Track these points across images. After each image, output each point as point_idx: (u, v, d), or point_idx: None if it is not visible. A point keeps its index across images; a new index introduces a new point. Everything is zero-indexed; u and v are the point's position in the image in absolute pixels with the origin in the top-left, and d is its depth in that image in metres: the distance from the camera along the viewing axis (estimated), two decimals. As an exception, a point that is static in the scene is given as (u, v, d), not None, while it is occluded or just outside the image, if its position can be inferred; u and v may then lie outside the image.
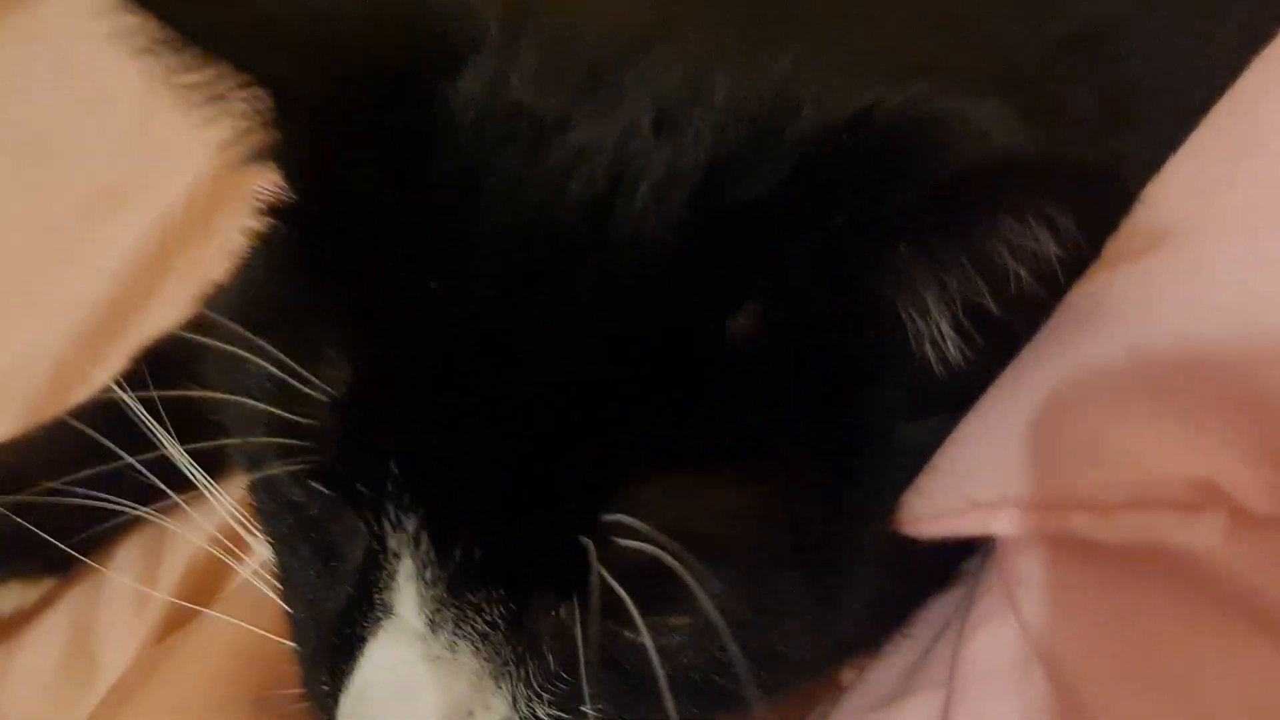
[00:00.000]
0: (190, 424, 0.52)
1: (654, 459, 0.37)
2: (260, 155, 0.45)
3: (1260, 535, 0.30)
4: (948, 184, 0.34)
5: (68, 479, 0.67)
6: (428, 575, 0.39)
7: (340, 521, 0.43)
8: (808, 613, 0.41)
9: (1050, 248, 0.35)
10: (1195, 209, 0.36)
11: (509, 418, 0.38)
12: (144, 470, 0.54)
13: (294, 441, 0.40)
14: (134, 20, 0.40)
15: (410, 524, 0.39)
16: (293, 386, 0.40)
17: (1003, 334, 0.38)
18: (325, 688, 0.43)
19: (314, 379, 0.39)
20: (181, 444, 0.53)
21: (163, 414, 0.54)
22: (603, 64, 0.41)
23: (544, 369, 0.37)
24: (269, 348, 0.40)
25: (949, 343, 0.38)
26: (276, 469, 0.41)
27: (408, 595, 0.40)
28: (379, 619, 0.41)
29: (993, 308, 0.37)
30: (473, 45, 0.42)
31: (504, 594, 0.39)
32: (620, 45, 0.42)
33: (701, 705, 0.41)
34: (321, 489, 0.42)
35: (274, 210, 0.46)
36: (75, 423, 0.73)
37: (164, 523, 0.62)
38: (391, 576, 0.40)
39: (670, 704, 0.38)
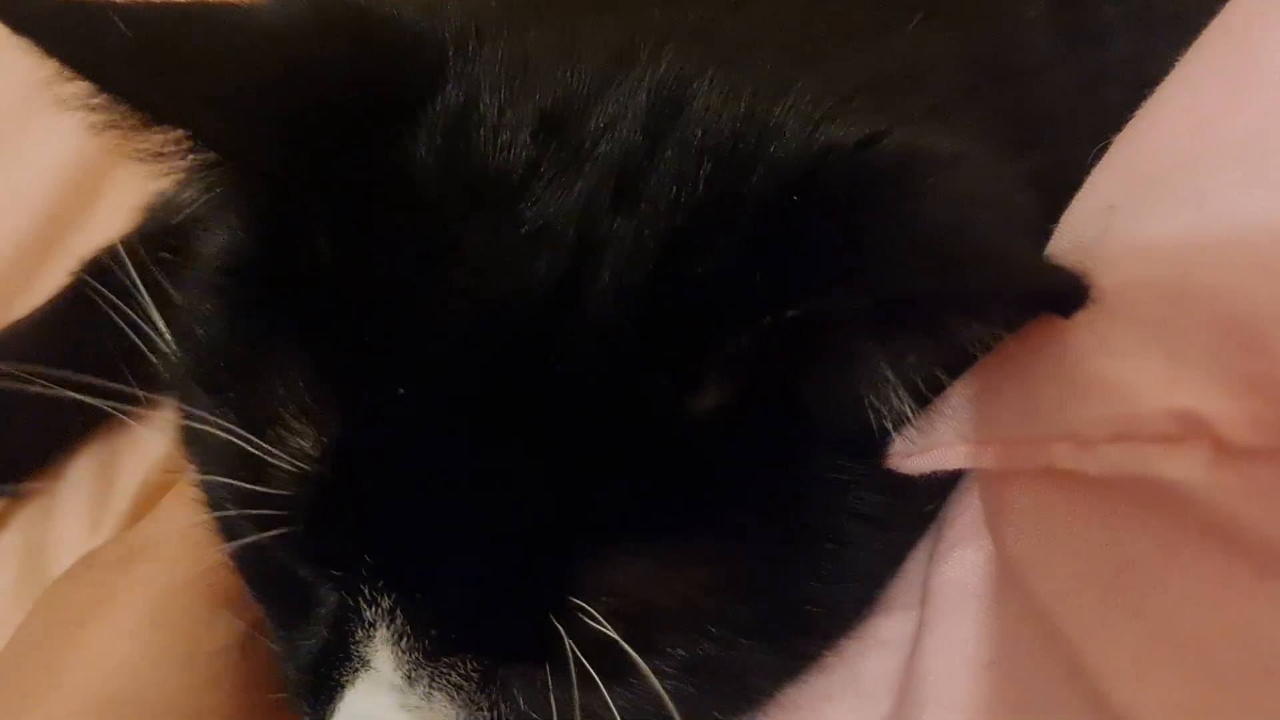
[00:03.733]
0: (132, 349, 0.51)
1: (621, 537, 0.38)
2: (218, 210, 0.44)
3: (1243, 466, 0.30)
4: (911, 289, 0.34)
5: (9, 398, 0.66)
6: (403, 644, 0.40)
7: (316, 577, 0.43)
8: (771, 671, 0.43)
9: (1004, 335, 0.36)
10: (1189, 141, 0.36)
11: (479, 502, 0.38)
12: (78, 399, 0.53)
13: (265, 512, 0.40)
14: (79, 88, 0.38)
15: (385, 603, 0.40)
16: (257, 457, 0.39)
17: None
18: (309, 717, 0.44)
19: (277, 451, 0.39)
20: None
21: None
22: (562, 109, 0.39)
23: (511, 452, 0.37)
24: (228, 424, 0.40)
25: (906, 410, 0.38)
26: (251, 537, 0.41)
27: (384, 654, 0.41)
28: (356, 669, 0.42)
29: (945, 380, 0.38)
30: (430, 83, 0.40)
31: (476, 657, 0.40)
32: (579, 83, 0.40)
33: None
34: (296, 557, 0.42)
35: (230, 262, 0.45)
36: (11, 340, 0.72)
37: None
38: (368, 637, 0.41)
39: None
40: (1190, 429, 0.31)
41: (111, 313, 0.51)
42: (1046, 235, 0.39)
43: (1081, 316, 0.33)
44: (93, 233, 0.79)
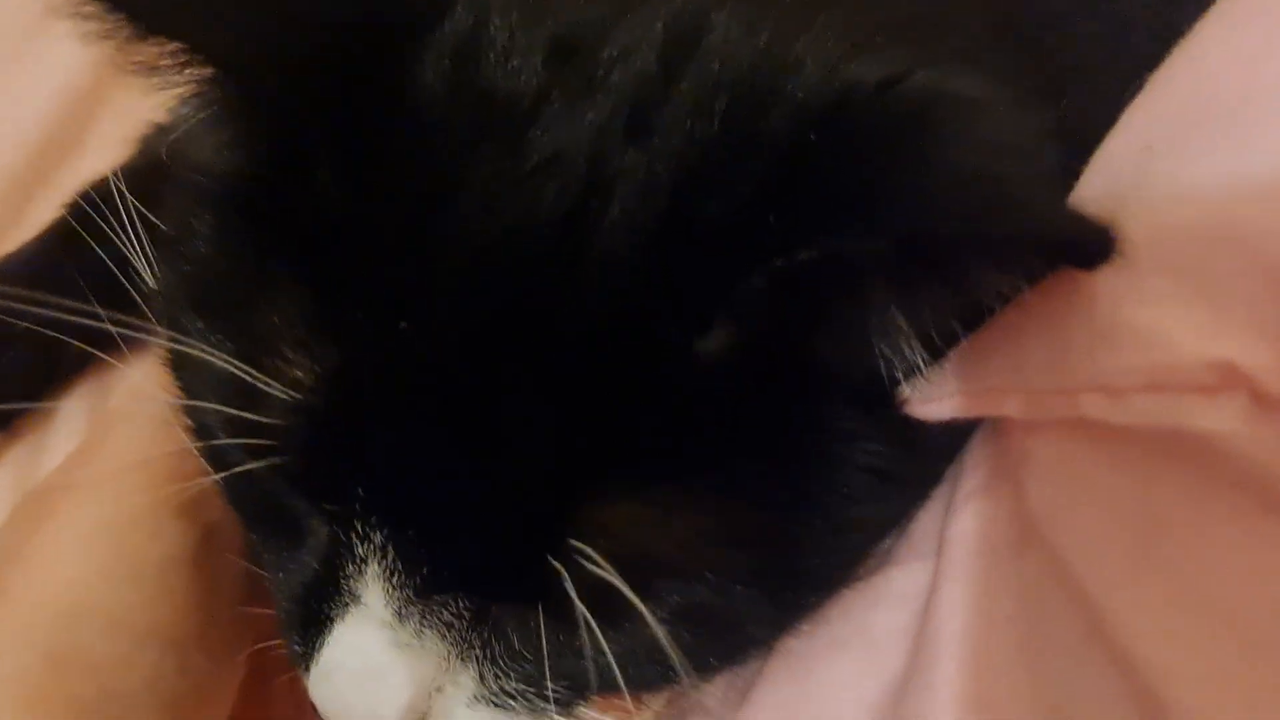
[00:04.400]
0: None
1: (621, 480, 0.37)
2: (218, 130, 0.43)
3: (1280, 418, 0.29)
4: (932, 232, 0.33)
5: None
6: (394, 580, 0.39)
7: (308, 508, 0.42)
8: (768, 620, 0.43)
9: (1023, 288, 0.35)
10: (1233, 81, 0.34)
11: (477, 442, 0.37)
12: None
13: (258, 441, 0.39)
14: None
15: (377, 538, 0.39)
16: (252, 386, 0.39)
17: None
18: (298, 649, 0.43)
19: (273, 381, 0.38)
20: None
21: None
22: (575, 36, 0.38)
23: (513, 393, 0.36)
24: (223, 352, 0.39)
25: (919, 362, 0.37)
26: (242, 468, 0.40)
27: (375, 590, 0.40)
28: (346, 604, 0.41)
29: (960, 332, 0.37)
30: (438, 4, 0.39)
31: (469, 597, 0.40)
32: (593, 10, 0.39)
33: (654, 678, 0.42)
34: (288, 488, 0.41)
35: (229, 185, 0.43)
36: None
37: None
38: (359, 573, 0.40)
39: (623, 682, 0.39)
40: (1227, 379, 0.30)
41: (100, 247, 0.50)
42: (1069, 186, 0.38)
43: (1110, 267, 0.31)
44: (84, 166, 0.77)
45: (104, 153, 0.74)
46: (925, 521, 0.44)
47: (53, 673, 0.44)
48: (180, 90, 0.41)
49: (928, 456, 0.43)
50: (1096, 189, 0.37)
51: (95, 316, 0.49)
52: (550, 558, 0.36)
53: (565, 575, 0.36)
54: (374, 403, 0.38)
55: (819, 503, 0.40)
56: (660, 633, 0.38)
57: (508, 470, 0.37)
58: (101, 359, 0.70)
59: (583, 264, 0.36)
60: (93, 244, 0.54)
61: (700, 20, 0.38)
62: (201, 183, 0.45)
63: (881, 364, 0.37)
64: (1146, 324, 0.31)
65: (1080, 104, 0.41)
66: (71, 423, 0.71)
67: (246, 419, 0.39)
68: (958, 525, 0.41)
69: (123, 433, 0.51)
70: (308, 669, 0.43)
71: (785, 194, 0.35)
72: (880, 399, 0.39)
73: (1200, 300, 0.31)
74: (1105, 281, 0.32)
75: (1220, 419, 0.30)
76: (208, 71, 0.39)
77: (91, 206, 0.69)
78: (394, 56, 0.38)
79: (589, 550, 0.36)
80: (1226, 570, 0.31)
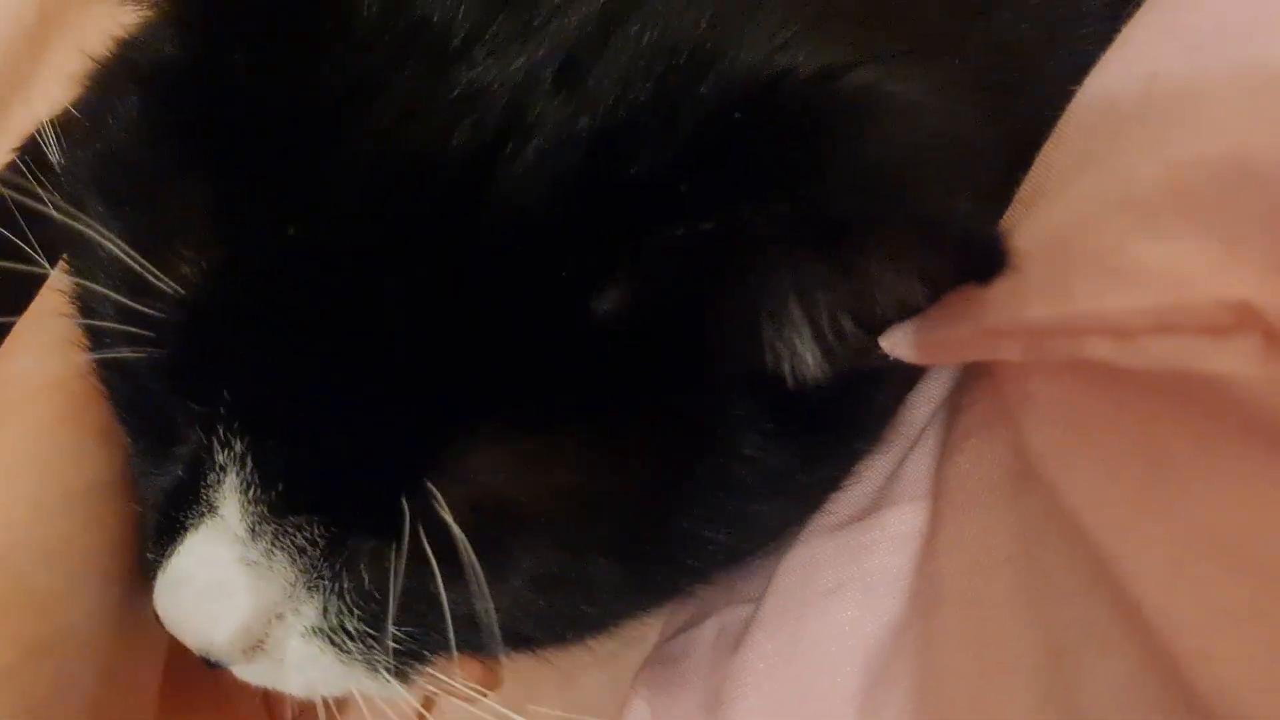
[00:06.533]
0: None
1: (491, 426, 0.37)
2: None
3: (1295, 359, 0.28)
4: (836, 221, 0.33)
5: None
6: (250, 494, 0.39)
7: (179, 409, 0.41)
8: (627, 597, 0.43)
9: (920, 299, 0.35)
10: (1248, 6, 0.33)
11: (349, 364, 0.37)
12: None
13: (139, 331, 0.39)
14: None
15: (238, 446, 0.38)
16: (142, 277, 0.38)
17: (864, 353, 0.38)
18: (151, 557, 0.43)
19: (162, 274, 0.38)
20: None
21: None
22: None
23: (393, 321, 0.36)
24: (120, 238, 0.39)
25: (808, 357, 0.37)
26: (120, 353, 0.40)
27: (231, 502, 0.40)
28: (202, 514, 0.41)
29: (855, 332, 0.37)
30: None
31: (323, 522, 0.40)
32: None
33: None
34: (160, 384, 0.40)
35: (153, 63, 0.42)
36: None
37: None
38: (219, 482, 0.40)
39: (452, 640, 0.40)
40: (1241, 320, 0.29)
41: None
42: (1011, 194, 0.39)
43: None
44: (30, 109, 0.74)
45: (55, 90, 0.71)
46: (919, 462, 0.43)
47: None
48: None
49: (824, 461, 0.43)
50: (1091, 114, 0.36)
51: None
52: (404, 496, 0.36)
53: (408, 516, 0.36)
54: (252, 307, 0.37)
55: (698, 486, 0.40)
56: (479, 597, 0.38)
57: (376, 397, 0.37)
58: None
59: (486, 201, 0.35)
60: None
61: None
62: (134, 61, 0.44)
63: (770, 352, 0.37)
64: (1158, 262, 0.30)
65: (1033, 102, 0.41)
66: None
67: (131, 307, 0.38)
68: (954, 465, 0.40)
69: (27, 355, 0.49)
70: (155, 578, 0.42)
71: (699, 166, 0.35)
72: (774, 390, 0.38)
73: (1214, 238, 0.30)
74: (1113, 218, 0.31)
75: (1233, 360, 0.29)
76: None
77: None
78: None
79: (437, 493, 0.36)
80: (1233, 512, 0.31)
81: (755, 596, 0.47)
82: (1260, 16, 0.32)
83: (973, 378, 0.42)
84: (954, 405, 0.43)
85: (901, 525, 0.42)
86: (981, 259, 0.32)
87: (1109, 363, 0.32)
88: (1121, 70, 0.36)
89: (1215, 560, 0.31)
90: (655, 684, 0.50)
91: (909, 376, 0.46)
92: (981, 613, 0.39)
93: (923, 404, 0.45)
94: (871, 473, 0.45)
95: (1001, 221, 0.38)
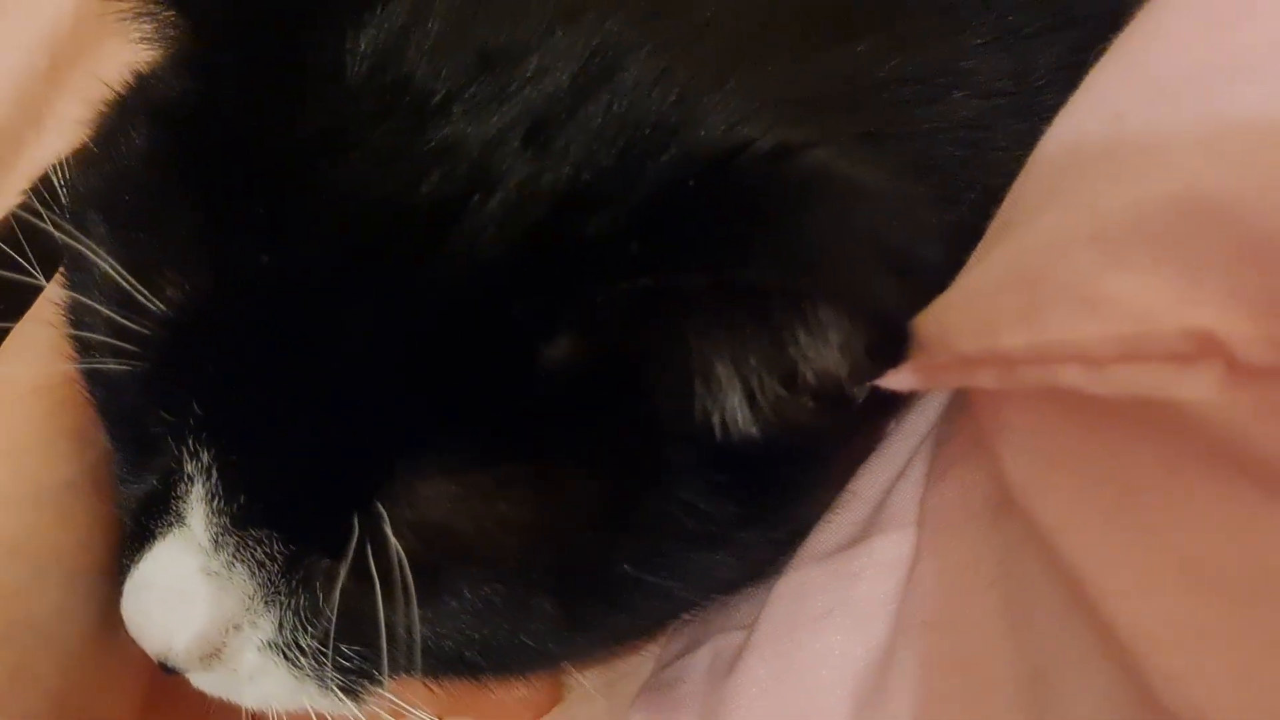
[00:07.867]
0: None
1: (441, 457, 0.39)
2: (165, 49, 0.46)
3: (1256, 386, 0.29)
4: (761, 291, 0.35)
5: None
6: (215, 504, 0.41)
7: (155, 420, 0.43)
8: (564, 638, 0.44)
9: (841, 370, 0.37)
10: (1204, 48, 0.34)
11: (312, 390, 0.39)
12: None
13: (124, 345, 0.41)
14: None
15: (205, 458, 0.41)
16: (132, 295, 0.40)
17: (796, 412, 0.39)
18: (124, 563, 0.45)
19: (151, 296, 0.40)
20: None
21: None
22: (499, 51, 0.39)
23: (354, 352, 0.38)
24: (115, 259, 0.41)
25: (737, 416, 0.38)
26: (106, 364, 0.42)
27: (197, 512, 0.42)
28: (170, 523, 0.43)
29: (780, 392, 0.38)
30: None
31: (281, 539, 0.41)
32: (521, 29, 0.40)
33: (447, 666, 0.44)
34: (140, 396, 0.43)
35: (163, 97, 0.45)
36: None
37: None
38: (186, 492, 0.42)
39: (384, 659, 0.41)
40: (1204, 348, 0.30)
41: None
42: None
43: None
44: (42, 152, 0.76)
45: (66, 134, 0.73)
46: (906, 492, 0.44)
47: None
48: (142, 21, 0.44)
49: (764, 520, 0.44)
50: (1063, 139, 0.37)
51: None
52: (355, 513, 0.39)
53: (357, 532, 0.38)
54: (227, 328, 0.40)
55: (638, 527, 0.42)
56: (408, 625, 0.40)
57: (333, 421, 0.39)
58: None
59: (450, 246, 0.37)
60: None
61: (618, 59, 0.39)
62: (148, 93, 0.47)
63: (701, 407, 0.39)
64: (1125, 293, 0.31)
65: (989, 194, 0.41)
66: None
67: (119, 322, 0.41)
68: (939, 493, 0.41)
69: (16, 360, 0.50)
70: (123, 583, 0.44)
71: (650, 228, 0.37)
72: (715, 444, 0.40)
73: (1178, 269, 0.31)
74: (1084, 252, 0.33)
75: (1197, 388, 0.30)
76: (169, 13, 0.43)
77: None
78: (331, 23, 0.40)
79: (384, 514, 0.38)
80: (1202, 536, 0.31)
81: (748, 623, 0.48)
82: (1221, 64, 0.33)
83: (955, 411, 0.44)
84: (938, 437, 0.44)
85: (889, 552, 0.43)
86: (889, 343, 0.34)
87: (1080, 391, 0.33)
88: (1088, 112, 0.37)
89: (1184, 582, 0.32)
90: (652, 709, 0.50)
91: (865, 446, 0.48)
92: (966, 637, 0.39)
93: (909, 436, 0.46)
94: (860, 502, 0.46)
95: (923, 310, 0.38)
